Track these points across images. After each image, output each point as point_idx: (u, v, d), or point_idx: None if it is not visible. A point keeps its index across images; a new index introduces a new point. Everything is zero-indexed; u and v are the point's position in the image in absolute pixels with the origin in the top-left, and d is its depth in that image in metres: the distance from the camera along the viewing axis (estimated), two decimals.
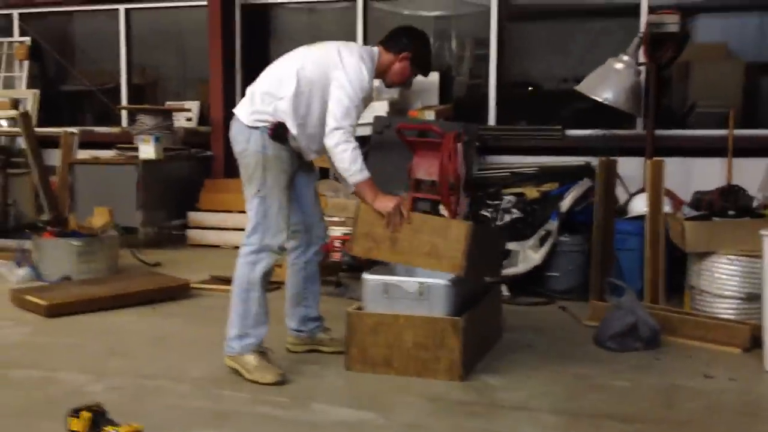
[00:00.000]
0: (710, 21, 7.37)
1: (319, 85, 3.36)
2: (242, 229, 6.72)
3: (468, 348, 3.46)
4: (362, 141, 6.21)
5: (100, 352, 3.79)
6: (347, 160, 3.30)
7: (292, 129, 3.36)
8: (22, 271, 5.55)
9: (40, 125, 8.35)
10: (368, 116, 6.68)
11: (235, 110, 3.52)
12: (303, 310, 3.76)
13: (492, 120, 7.42)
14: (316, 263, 3.76)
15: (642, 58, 6.05)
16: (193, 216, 7.26)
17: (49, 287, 4.93)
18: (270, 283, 3.54)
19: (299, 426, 2.88)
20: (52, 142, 7.72)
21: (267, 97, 3.40)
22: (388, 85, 3.72)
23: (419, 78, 5.86)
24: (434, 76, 7.29)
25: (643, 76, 6.20)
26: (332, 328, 3.81)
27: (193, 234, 7.22)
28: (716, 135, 6.51)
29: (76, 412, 2.68)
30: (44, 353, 3.79)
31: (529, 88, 7.76)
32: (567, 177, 6.06)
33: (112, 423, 2.66)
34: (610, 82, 6.19)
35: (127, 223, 6.64)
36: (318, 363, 3.61)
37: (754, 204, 5.21)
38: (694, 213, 4.53)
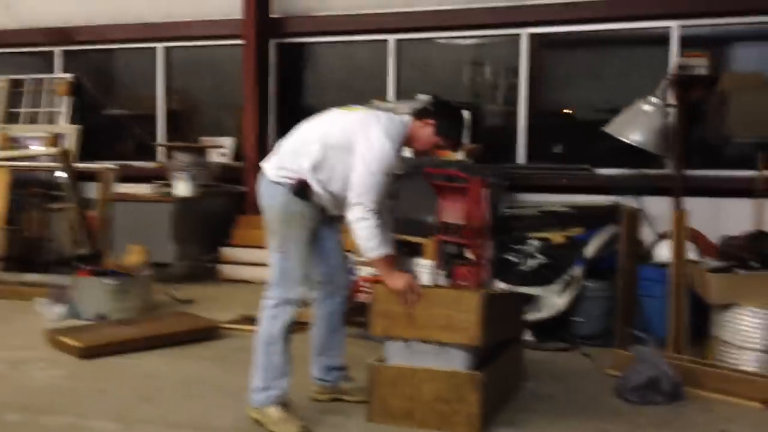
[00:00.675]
0: (747, 50, 7.35)
1: (343, 151, 3.45)
2: None
3: (487, 401, 3.51)
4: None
5: (129, 399, 3.90)
6: (364, 237, 3.40)
7: (315, 188, 3.46)
8: (59, 309, 5.71)
9: (80, 159, 8.59)
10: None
11: (263, 164, 3.63)
12: (326, 359, 3.84)
13: (521, 158, 7.48)
14: (341, 313, 3.83)
15: (670, 99, 6.08)
16: (226, 251, 7.41)
17: (83, 328, 5.07)
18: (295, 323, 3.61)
19: None
20: (91, 176, 7.94)
21: (292, 155, 3.50)
22: (416, 154, 3.75)
23: None
24: (465, 114, 7.38)
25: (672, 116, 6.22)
26: (357, 375, 3.87)
27: (226, 269, 7.36)
28: (745, 176, 6.50)
29: None
30: (75, 398, 3.91)
31: (562, 119, 7.76)
32: (594, 218, 6.11)
33: None
34: (638, 124, 6.24)
35: (162, 258, 6.82)
36: (341, 413, 3.69)
37: None
38: (716, 264, 4.53)
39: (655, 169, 6.87)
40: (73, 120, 8.91)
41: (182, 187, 7.02)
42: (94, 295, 5.68)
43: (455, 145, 3.84)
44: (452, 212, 5.43)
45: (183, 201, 6.96)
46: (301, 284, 3.52)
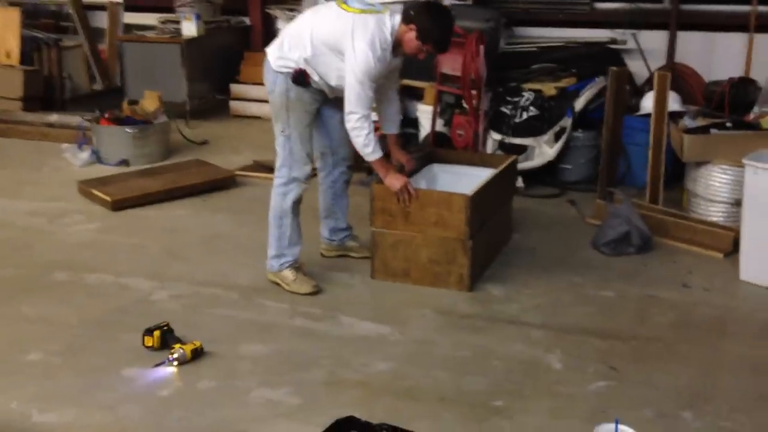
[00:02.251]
0: None
1: (332, 51, 3.69)
2: None
3: (476, 263, 4.00)
4: None
5: (160, 255, 4.40)
6: (360, 144, 3.74)
7: (313, 77, 3.75)
8: (85, 155, 6.13)
9: None
10: None
11: (267, 50, 3.90)
12: (332, 222, 4.29)
13: None
14: (343, 182, 4.23)
15: None
16: (235, 88, 7.70)
17: (110, 179, 5.49)
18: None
19: (330, 340, 3.49)
20: (100, 5, 8.12)
21: (290, 45, 3.76)
22: (404, 55, 3.84)
23: None
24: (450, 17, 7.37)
25: None
26: (361, 225, 4.32)
27: (236, 105, 7.69)
28: (741, 11, 6.63)
29: (150, 332, 3.31)
30: (112, 255, 4.40)
31: None
32: (592, 56, 6.38)
33: (178, 340, 3.30)
34: None
35: (174, 97, 7.14)
36: (347, 270, 4.18)
37: (760, 97, 5.50)
38: (692, 123, 4.86)
39: (652, 3, 7.00)
40: None
41: (189, 28, 7.20)
42: (115, 142, 6.08)
43: (441, 51, 3.89)
44: (450, 63, 5.67)
45: (191, 41, 7.16)
46: (305, 164, 3.87)
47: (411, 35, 3.68)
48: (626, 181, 5.45)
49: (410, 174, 4.44)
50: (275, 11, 7.68)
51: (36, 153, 6.38)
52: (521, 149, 5.51)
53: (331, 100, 3.97)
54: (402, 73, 6.24)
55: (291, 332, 3.56)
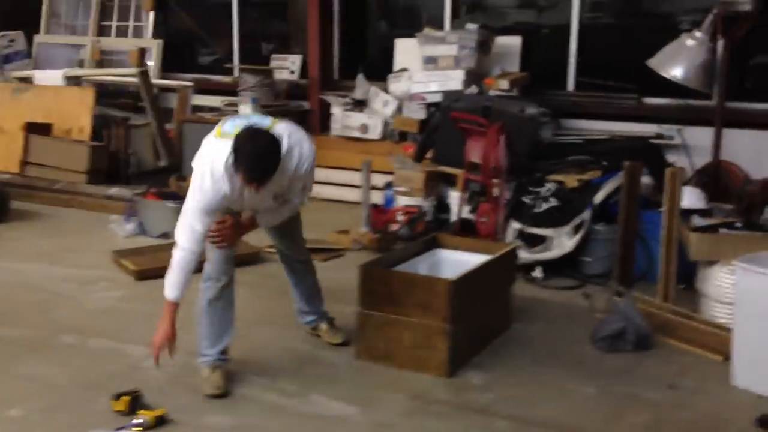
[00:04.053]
0: None
1: None
2: (335, 184, 7.49)
3: (458, 349, 4.03)
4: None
5: None
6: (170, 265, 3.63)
7: None
8: (130, 226, 6.48)
9: (164, 71, 9.28)
10: (446, 85, 7.14)
11: None
12: (296, 304, 4.42)
13: (571, 85, 7.65)
14: (294, 270, 4.33)
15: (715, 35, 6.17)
16: None
17: (142, 250, 5.79)
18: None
19: (293, 417, 3.58)
20: (171, 88, 8.64)
21: None
22: None
23: (500, 42, 6.75)
24: (516, 40, 7.61)
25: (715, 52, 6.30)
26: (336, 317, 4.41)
27: None
28: None
29: (118, 397, 3.49)
30: (123, 322, 4.64)
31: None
32: (632, 150, 6.38)
33: (145, 407, 3.45)
34: (681, 59, 6.37)
35: None
36: (336, 350, 4.27)
37: None
38: (703, 223, 4.80)
39: (700, 100, 6.97)
40: (157, 34, 9.53)
41: (245, 110, 7.58)
42: (158, 216, 6.41)
43: (251, 181, 3.40)
44: (476, 152, 5.80)
45: None
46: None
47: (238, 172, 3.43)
48: (647, 277, 5.36)
49: (412, 257, 4.56)
50: (329, 97, 8.02)
51: (90, 223, 6.79)
52: (540, 239, 5.53)
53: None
54: (438, 159, 6.48)
55: (259, 407, 3.67)
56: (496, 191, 5.67)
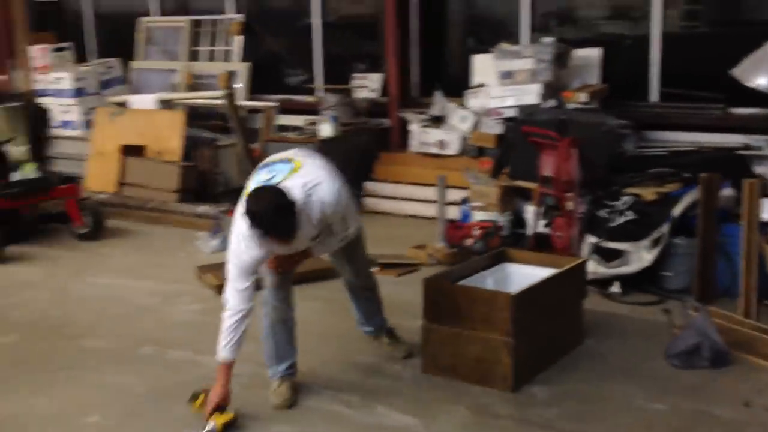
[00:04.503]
0: None
1: None
2: (413, 200, 7.54)
3: (523, 364, 4.01)
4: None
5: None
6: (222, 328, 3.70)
7: None
8: (214, 242, 6.69)
9: (250, 93, 9.56)
10: (522, 99, 7.13)
11: None
12: (356, 317, 4.50)
13: (654, 96, 7.51)
14: (351, 290, 4.42)
15: None
16: (369, 185, 8.12)
17: (222, 265, 5.96)
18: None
19: (356, 428, 3.64)
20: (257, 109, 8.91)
21: None
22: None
23: (579, 54, 6.73)
24: (595, 52, 7.52)
25: None
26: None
27: (369, 202, 8.08)
28: None
29: (195, 397, 3.61)
30: (201, 334, 4.80)
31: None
32: (717, 161, 6.23)
33: (219, 409, 3.55)
34: (766, 67, 6.17)
35: None
36: (400, 363, 4.32)
37: None
38: None
39: None
40: (245, 57, 9.82)
41: (325, 128, 7.75)
42: None
43: (267, 236, 3.48)
44: (549, 166, 5.77)
45: (325, 141, 7.69)
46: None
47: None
48: (731, 292, 5.20)
49: (480, 271, 4.58)
50: (407, 114, 8.11)
51: (178, 240, 7.04)
52: (617, 254, 5.44)
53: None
54: (514, 174, 6.47)
55: (323, 417, 3.75)
56: (570, 205, 5.61)
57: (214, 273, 5.74)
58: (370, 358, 4.40)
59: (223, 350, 3.59)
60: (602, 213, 5.56)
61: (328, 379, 4.13)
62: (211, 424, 3.52)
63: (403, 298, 4.74)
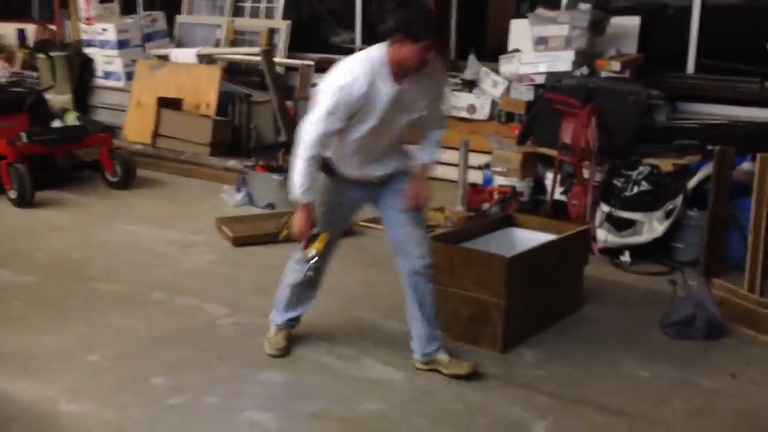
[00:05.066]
0: None
1: None
2: (440, 163, 7.59)
3: (514, 326, 4.07)
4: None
5: (247, 287, 4.89)
6: (294, 174, 3.45)
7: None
8: (239, 196, 6.85)
9: (290, 51, 9.65)
10: (555, 66, 7.08)
11: None
12: (414, 329, 3.84)
13: (691, 68, 7.39)
14: (423, 289, 3.72)
15: None
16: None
17: (242, 219, 6.13)
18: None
19: (343, 378, 3.76)
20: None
21: None
22: (412, 72, 3.35)
23: (617, 22, 6.56)
24: (635, 20, 7.41)
25: None
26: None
27: None
28: None
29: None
30: (211, 282, 4.97)
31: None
32: (748, 136, 6.15)
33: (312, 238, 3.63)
34: None
35: None
36: (397, 321, 4.38)
37: None
38: None
39: None
40: (287, 15, 9.89)
41: None
42: (265, 187, 6.74)
43: (436, 47, 3.27)
44: (569, 133, 5.76)
45: None
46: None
47: (402, 47, 3.27)
48: (743, 266, 5.16)
49: (484, 234, 4.62)
50: None
51: (206, 192, 7.21)
52: (629, 223, 5.43)
53: (381, 186, 3.71)
54: (537, 140, 6.47)
55: (313, 366, 3.87)
56: (586, 173, 5.60)
57: (231, 226, 5.90)
58: (369, 314, 4.51)
59: (303, 194, 3.45)
60: (618, 182, 5.53)
61: (324, 332, 4.25)
62: (312, 252, 3.57)
63: None
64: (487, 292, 4.04)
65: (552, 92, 6.05)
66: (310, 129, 3.36)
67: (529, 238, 4.66)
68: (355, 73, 3.30)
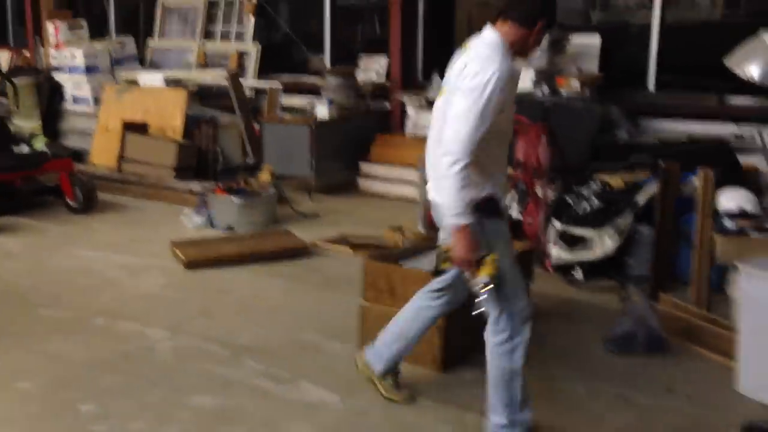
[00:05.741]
0: None
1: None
2: (405, 182, 7.48)
3: (453, 345, 4.04)
4: None
5: (193, 311, 4.85)
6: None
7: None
8: (199, 219, 6.83)
9: (261, 72, 9.66)
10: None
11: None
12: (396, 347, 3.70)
13: (652, 84, 7.42)
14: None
15: None
16: (364, 167, 8.18)
17: (200, 241, 6.10)
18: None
19: (276, 402, 3.71)
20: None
21: None
22: (523, 56, 3.20)
23: (578, 41, 6.60)
24: (595, 39, 7.44)
25: None
26: None
27: (364, 183, 8.15)
28: None
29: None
30: (156, 307, 4.93)
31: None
32: (704, 152, 6.16)
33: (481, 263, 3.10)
34: (758, 57, 6.06)
35: (302, 172, 7.78)
36: (340, 340, 4.37)
37: None
38: (732, 225, 4.57)
39: None
40: (256, 38, 9.92)
41: (322, 111, 7.82)
42: (225, 210, 6.71)
43: (549, 24, 3.14)
44: (522, 151, 5.75)
45: (322, 124, 7.76)
46: (522, 299, 3.31)
47: (509, 27, 3.10)
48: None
49: (429, 251, 4.60)
50: (405, 97, 8.12)
51: (168, 215, 7.18)
52: (581, 240, 5.41)
53: None
54: None
55: (247, 390, 3.83)
56: (539, 191, 5.59)
57: (184, 249, 5.86)
58: (313, 336, 4.47)
59: (462, 215, 3.03)
60: (570, 199, 5.53)
61: (265, 355, 4.21)
62: (483, 278, 3.09)
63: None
64: None
65: None
66: (466, 134, 2.96)
67: None
68: (497, 56, 3.03)
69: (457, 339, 4.06)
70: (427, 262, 4.52)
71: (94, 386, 3.84)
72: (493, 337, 3.27)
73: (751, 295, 3.68)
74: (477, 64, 3.02)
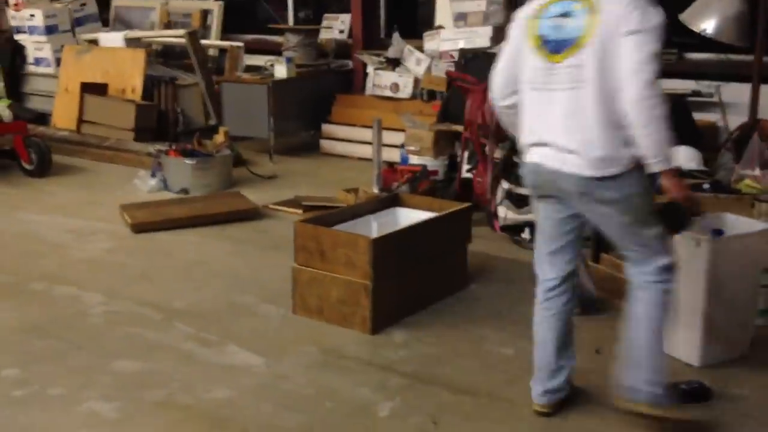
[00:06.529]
0: None
1: None
2: (365, 143, 7.42)
3: (384, 307, 4.02)
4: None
5: (133, 275, 4.82)
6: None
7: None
8: (153, 182, 6.77)
9: (224, 31, 9.53)
10: (473, 42, 7.03)
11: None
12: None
13: None
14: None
15: None
16: (326, 128, 8.11)
17: (149, 204, 6.05)
18: None
19: (200, 365, 3.70)
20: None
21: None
22: None
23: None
24: None
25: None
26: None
27: (325, 144, 8.09)
28: None
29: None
30: (97, 271, 4.90)
31: None
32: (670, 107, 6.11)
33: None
34: (712, 11, 6.01)
35: (261, 133, 7.71)
36: (276, 305, 4.35)
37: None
38: None
39: (743, 54, 6.57)
40: None
41: (280, 70, 7.72)
42: (179, 172, 6.66)
43: None
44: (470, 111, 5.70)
45: (280, 83, 7.67)
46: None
47: None
48: None
49: (367, 214, 4.58)
50: (364, 56, 8.03)
51: (124, 178, 7.10)
52: (528, 200, 5.37)
53: None
54: (448, 118, 6.41)
55: (172, 354, 3.81)
56: (487, 150, 5.55)
57: (132, 212, 5.81)
58: (248, 298, 4.45)
59: (671, 159, 2.96)
60: (517, 159, 5.47)
61: (197, 317, 4.20)
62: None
63: None
64: (354, 273, 3.99)
65: (452, 70, 5.97)
66: (654, 73, 2.92)
67: (412, 217, 4.60)
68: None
69: (388, 301, 4.05)
70: (364, 223, 4.50)
71: (21, 351, 3.82)
72: (664, 284, 3.11)
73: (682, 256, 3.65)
74: (639, 6, 2.93)
